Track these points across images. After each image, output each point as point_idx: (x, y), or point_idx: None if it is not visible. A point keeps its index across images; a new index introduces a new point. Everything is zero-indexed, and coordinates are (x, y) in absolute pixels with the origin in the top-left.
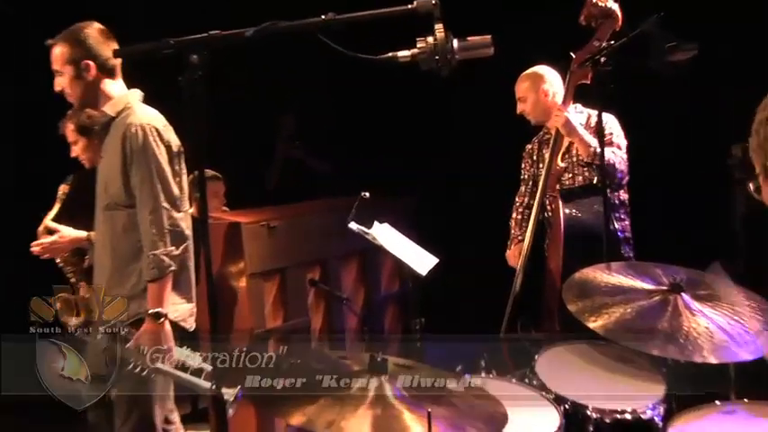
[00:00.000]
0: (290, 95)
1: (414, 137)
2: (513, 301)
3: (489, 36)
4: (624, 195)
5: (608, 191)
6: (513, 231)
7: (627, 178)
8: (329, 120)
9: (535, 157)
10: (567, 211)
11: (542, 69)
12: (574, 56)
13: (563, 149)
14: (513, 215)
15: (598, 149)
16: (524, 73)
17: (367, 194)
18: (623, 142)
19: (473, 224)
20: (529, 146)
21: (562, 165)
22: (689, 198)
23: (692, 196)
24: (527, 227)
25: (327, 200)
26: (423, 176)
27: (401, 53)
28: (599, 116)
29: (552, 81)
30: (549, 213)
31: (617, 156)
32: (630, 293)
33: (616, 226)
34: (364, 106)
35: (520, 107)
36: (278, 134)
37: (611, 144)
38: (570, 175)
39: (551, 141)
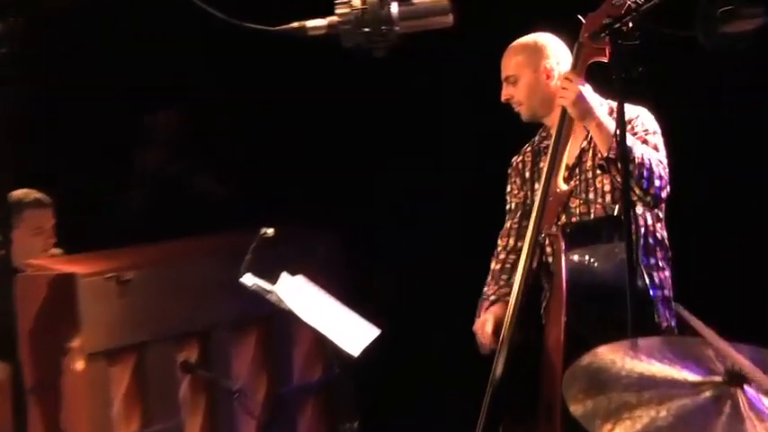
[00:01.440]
0: (161, 85)
1: (342, 146)
2: (493, 395)
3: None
4: (662, 231)
5: (639, 223)
6: (486, 289)
7: (666, 192)
8: (220, 120)
9: (527, 175)
10: (575, 257)
11: (543, 38)
12: (584, 20)
13: (568, 160)
14: (492, 264)
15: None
16: (516, 43)
17: (270, 231)
18: (662, 148)
19: (432, 273)
20: (517, 158)
21: (564, 187)
22: (740, 230)
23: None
24: (510, 281)
25: (212, 238)
26: (356, 202)
27: (312, 22)
28: (619, 108)
29: (558, 56)
30: (548, 259)
31: (653, 157)
32: (667, 387)
33: (647, 280)
34: (270, 102)
35: (507, 92)
36: (144, 139)
37: (645, 143)
38: (580, 202)
39: (551, 146)
